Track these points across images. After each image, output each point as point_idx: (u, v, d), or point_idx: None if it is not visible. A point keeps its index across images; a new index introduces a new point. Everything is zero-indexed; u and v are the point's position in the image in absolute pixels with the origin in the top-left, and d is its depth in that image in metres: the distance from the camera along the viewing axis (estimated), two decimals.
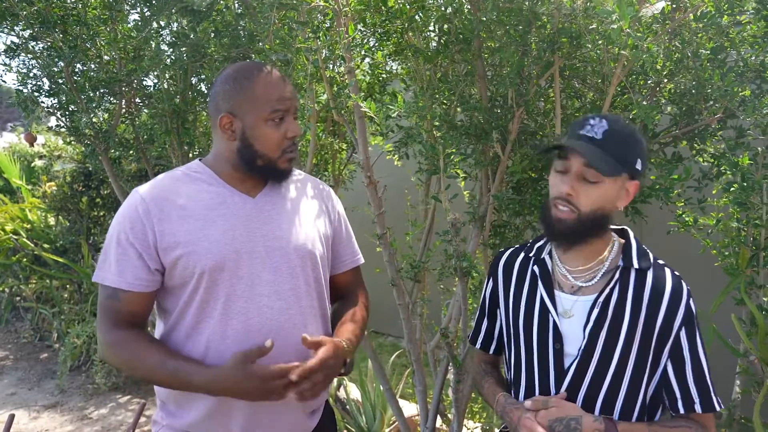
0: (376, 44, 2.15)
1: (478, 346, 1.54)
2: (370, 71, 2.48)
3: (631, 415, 1.26)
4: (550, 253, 1.40)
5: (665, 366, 1.26)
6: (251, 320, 1.35)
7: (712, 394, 1.24)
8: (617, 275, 1.30)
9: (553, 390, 1.29)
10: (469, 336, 1.58)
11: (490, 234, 2.17)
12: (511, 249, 1.51)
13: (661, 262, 1.33)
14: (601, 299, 1.28)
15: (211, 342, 1.34)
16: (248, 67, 1.40)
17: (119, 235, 1.33)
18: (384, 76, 2.31)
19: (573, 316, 1.30)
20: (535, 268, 1.39)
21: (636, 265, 1.29)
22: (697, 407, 1.23)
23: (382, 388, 2.92)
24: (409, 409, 2.99)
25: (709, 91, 1.82)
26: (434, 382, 2.44)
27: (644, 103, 1.90)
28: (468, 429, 2.84)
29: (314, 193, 1.54)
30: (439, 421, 2.72)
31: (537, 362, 1.33)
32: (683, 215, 2.10)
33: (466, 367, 2.21)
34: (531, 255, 1.42)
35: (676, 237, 2.26)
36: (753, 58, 1.91)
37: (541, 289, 1.36)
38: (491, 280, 1.50)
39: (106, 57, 2.96)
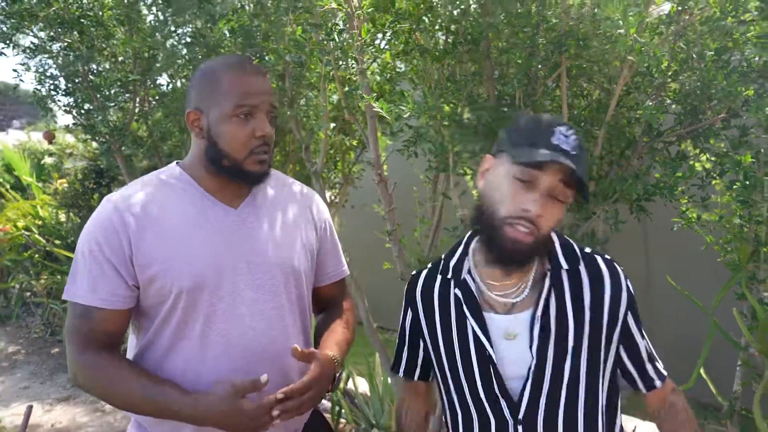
0: (386, 45, 2.21)
1: (400, 374, 1.39)
2: (380, 72, 2.54)
3: (597, 419, 1.17)
4: (469, 272, 1.23)
5: (618, 352, 1.21)
6: (232, 342, 1.26)
7: (659, 363, 1.25)
8: (548, 281, 1.18)
9: (510, 422, 1.16)
10: (390, 365, 1.44)
11: None
12: (425, 271, 1.32)
13: (588, 250, 1.23)
14: (539, 312, 1.16)
15: (189, 363, 1.25)
16: (219, 60, 1.31)
17: (91, 248, 1.21)
18: (392, 75, 2.37)
19: (516, 337, 1.17)
20: (457, 291, 1.22)
21: (565, 266, 1.19)
22: (657, 383, 1.24)
23: (389, 381, 2.98)
24: None
25: (713, 91, 1.87)
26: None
27: (649, 103, 1.95)
28: None
29: (299, 200, 1.43)
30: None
31: (485, 395, 1.19)
32: (687, 212, 2.15)
33: None
34: (449, 276, 1.25)
35: (680, 234, 2.31)
36: (756, 58, 1.95)
37: (469, 318, 1.20)
38: (410, 308, 1.34)
39: (120, 57, 3.03)
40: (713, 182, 2.05)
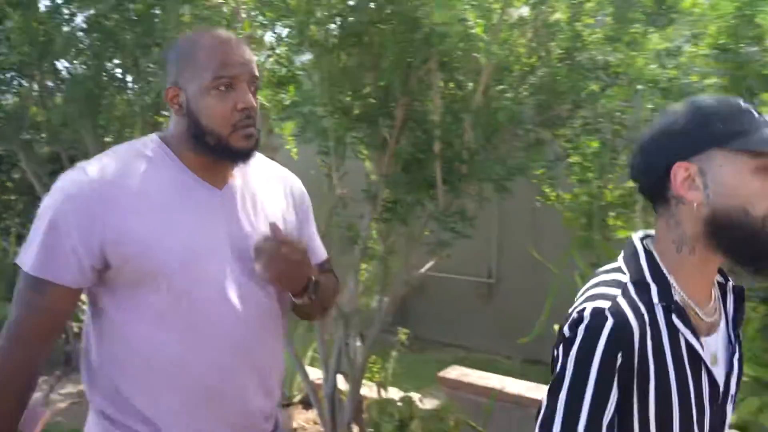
0: (276, 39, 2.37)
1: None
2: (278, 63, 2.69)
3: None
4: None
5: None
6: (219, 331, 1.17)
7: None
8: (730, 295, 1.04)
9: None
10: None
11: (382, 210, 2.44)
12: (619, 307, 0.92)
13: None
14: (731, 333, 1.01)
15: (171, 357, 1.15)
16: (196, 33, 1.24)
17: (56, 218, 1.11)
18: (287, 67, 2.53)
19: (718, 362, 0.99)
20: (675, 318, 0.94)
21: (731, 281, 1.05)
22: None
23: (291, 356, 3.15)
24: (315, 373, 3.26)
25: (560, 86, 2.17)
26: (334, 349, 2.74)
27: (508, 94, 2.23)
28: (367, 386, 3.14)
29: (281, 181, 1.36)
30: (345, 384, 2.98)
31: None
32: (547, 191, 2.46)
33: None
34: (657, 302, 0.95)
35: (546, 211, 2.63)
36: (599, 57, 2.26)
37: (691, 340, 0.94)
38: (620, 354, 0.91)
39: (16, 41, 3.01)
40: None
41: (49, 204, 1.14)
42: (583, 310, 0.92)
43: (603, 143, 2.29)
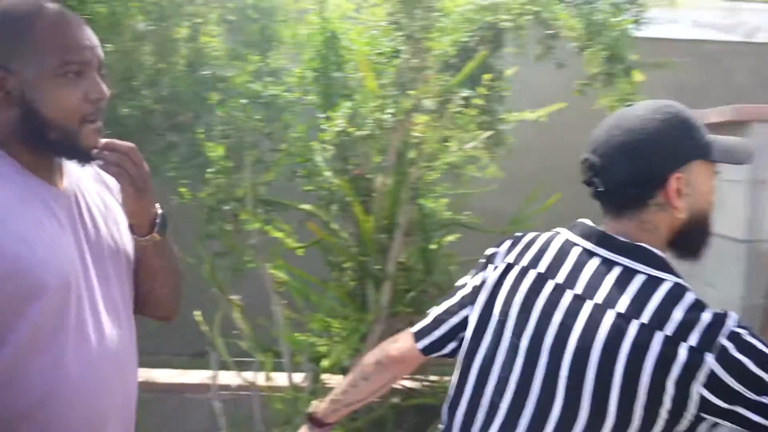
0: None
1: None
2: None
3: None
4: None
5: None
6: (101, 351, 1.04)
7: None
8: None
9: None
10: None
11: None
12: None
13: None
14: None
15: (47, 387, 0.98)
16: (24, 3, 1.01)
17: None
18: None
19: None
20: None
21: None
22: None
23: None
24: None
25: (183, 96, 2.45)
26: None
27: (134, 102, 2.42)
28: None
29: (95, 174, 1.20)
30: None
31: None
32: (182, 191, 2.72)
33: None
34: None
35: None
36: (219, 72, 2.62)
37: None
38: None
39: None
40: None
41: None
42: (727, 315, 0.90)
43: (228, 147, 2.66)
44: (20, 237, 0.95)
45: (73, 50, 1.00)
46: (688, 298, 0.92)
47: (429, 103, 1.97)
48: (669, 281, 0.95)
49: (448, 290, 2.86)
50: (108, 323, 1.07)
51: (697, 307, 0.91)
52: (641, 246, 0.98)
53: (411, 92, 1.91)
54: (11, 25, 0.99)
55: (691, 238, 1.03)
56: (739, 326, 0.89)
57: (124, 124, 2.47)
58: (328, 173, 2.70)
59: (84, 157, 1.04)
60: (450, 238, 2.91)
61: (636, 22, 2.73)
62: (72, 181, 1.10)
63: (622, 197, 1.01)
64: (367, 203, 2.63)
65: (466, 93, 2.14)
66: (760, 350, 0.87)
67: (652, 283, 0.94)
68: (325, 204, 2.79)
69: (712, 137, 1.01)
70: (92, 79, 1.02)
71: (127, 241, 1.17)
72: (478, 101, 2.08)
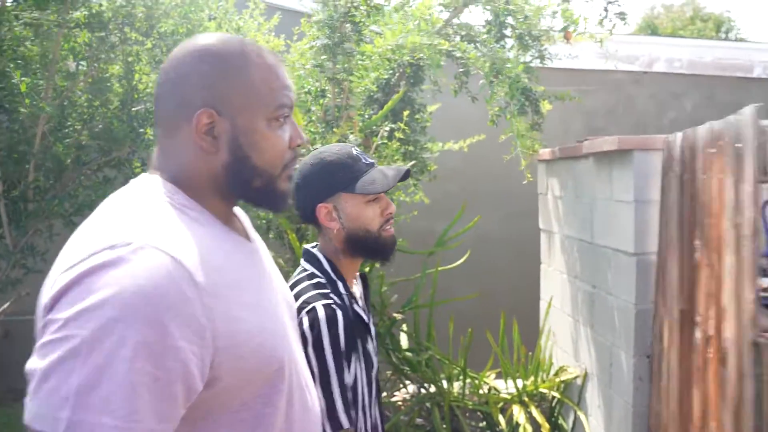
0: None
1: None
2: None
3: None
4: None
5: None
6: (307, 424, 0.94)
7: None
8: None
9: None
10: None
11: None
12: (336, 301, 1.29)
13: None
14: (366, 306, 1.43)
15: None
16: (235, 43, 0.90)
17: (151, 344, 0.69)
18: None
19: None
20: (355, 305, 1.36)
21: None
22: None
23: None
24: None
25: (118, 133, 2.54)
26: None
27: (68, 140, 2.49)
28: None
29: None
30: None
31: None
32: None
33: None
34: (344, 293, 1.35)
35: None
36: (153, 107, 2.71)
37: (364, 317, 1.37)
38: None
39: None
40: None
41: (117, 317, 0.68)
42: (314, 309, 1.23)
43: None
44: (252, 303, 0.84)
45: (285, 94, 0.92)
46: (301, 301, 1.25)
47: (354, 137, 2.14)
48: (302, 284, 1.31)
49: (383, 310, 3.05)
50: (309, 394, 0.96)
51: (307, 310, 1.23)
52: (308, 251, 1.38)
53: (336, 129, 2.08)
54: (223, 65, 0.87)
55: (362, 247, 1.34)
56: (309, 326, 1.22)
57: (59, 160, 2.53)
58: None
59: (278, 205, 0.95)
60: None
61: (541, 57, 3.02)
62: (250, 232, 1.00)
63: (305, 221, 1.39)
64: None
65: (389, 127, 2.33)
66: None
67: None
68: (263, 233, 2.91)
69: (366, 174, 1.32)
70: (293, 124, 0.95)
71: (289, 293, 1.10)
72: (399, 134, 2.27)
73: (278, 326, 0.88)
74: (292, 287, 1.30)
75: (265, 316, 0.86)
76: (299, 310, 1.22)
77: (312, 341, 1.20)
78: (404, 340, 3.06)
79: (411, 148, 2.88)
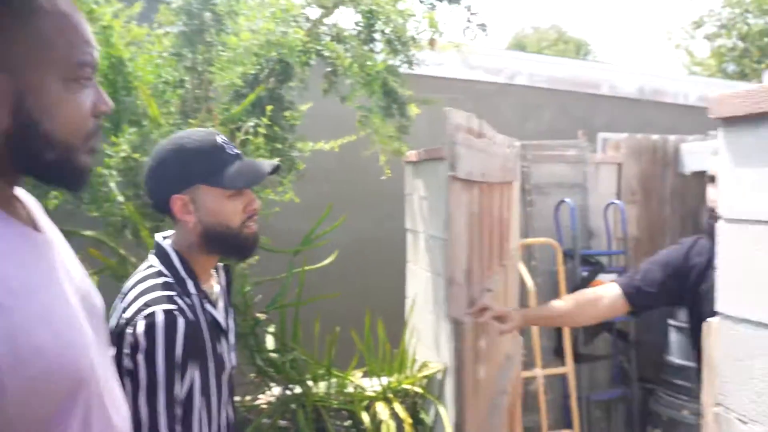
0: None
1: None
2: None
3: None
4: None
5: None
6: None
7: None
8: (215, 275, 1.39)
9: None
10: None
11: None
12: (179, 305, 1.16)
13: None
14: (226, 302, 1.36)
15: None
16: None
17: None
18: None
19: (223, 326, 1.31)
20: (206, 304, 1.26)
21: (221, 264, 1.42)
22: None
23: None
24: None
25: None
26: None
27: None
28: None
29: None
30: None
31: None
32: None
33: None
34: (194, 293, 1.24)
35: None
36: None
37: (218, 318, 1.28)
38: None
39: None
40: None
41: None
42: (153, 314, 1.09)
43: None
44: (43, 314, 0.71)
45: (87, 51, 0.77)
46: (139, 302, 1.14)
47: (214, 131, 2.07)
48: (143, 283, 1.19)
49: (246, 311, 2.98)
50: (117, 412, 0.84)
51: (145, 313, 1.12)
52: (158, 244, 1.26)
53: (193, 120, 1.99)
54: (3, 8, 0.72)
55: (220, 244, 1.25)
56: (145, 332, 1.10)
57: None
58: (120, 198, 2.65)
59: (78, 183, 0.81)
60: (250, 260, 3.01)
61: (409, 62, 3.12)
62: (40, 220, 0.83)
63: (158, 211, 1.29)
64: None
65: (252, 122, 2.28)
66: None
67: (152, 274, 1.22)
68: (117, 230, 2.72)
69: (231, 165, 1.21)
70: (97, 88, 0.81)
71: (96, 293, 0.91)
72: (262, 130, 2.23)
73: (76, 336, 0.74)
74: (134, 285, 1.18)
75: (59, 324, 0.71)
76: (137, 312, 1.11)
77: (145, 348, 1.08)
78: (271, 342, 3.01)
79: (279, 145, 2.85)
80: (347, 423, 3.01)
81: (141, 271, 1.23)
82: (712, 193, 1.62)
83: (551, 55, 17.90)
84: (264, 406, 2.98)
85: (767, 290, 0.95)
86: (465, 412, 1.39)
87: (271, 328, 3.00)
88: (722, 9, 15.75)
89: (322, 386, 2.95)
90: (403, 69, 3.11)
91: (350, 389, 3.00)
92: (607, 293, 1.86)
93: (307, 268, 2.94)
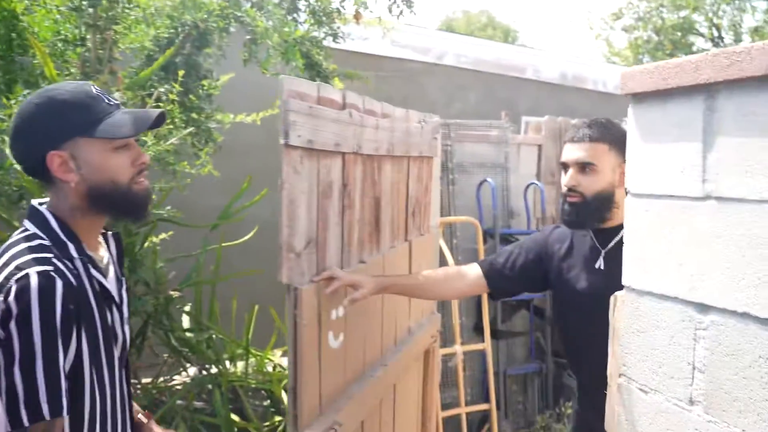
0: None
1: None
2: None
3: None
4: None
5: None
6: None
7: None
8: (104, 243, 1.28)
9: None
10: None
11: None
12: (59, 267, 1.05)
13: None
14: (118, 271, 1.26)
15: None
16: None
17: None
18: None
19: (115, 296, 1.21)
20: (92, 269, 1.14)
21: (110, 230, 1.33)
22: None
23: None
24: None
25: None
26: None
27: None
28: None
29: None
30: None
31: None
32: None
33: None
34: (77, 257, 1.12)
35: None
36: None
37: (106, 284, 1.18)
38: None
39: None
40: None
41: None
42: (26, 276, 0.98)
43: None
44: None
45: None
46: (11, 267, 1.03)
47: (119, 94, 1.92)
48: (16, 247, 1.07)
49: (158, 288, 2.83)
50: None
51: (17, 277, 1.01)
52: (34, 207, 1.13)
53: (94, 82, 1.84)
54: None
55: (108, 203, 1.14)
56: (14, 297, 0.99)
57: None
58: (17, 168, 2.44)
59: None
60: (163, 235, 2.86)
61: (333, 35, 3.03)
62: None
63: (27, 173, 1.16)
64: None
65: (164, 88, 2.14)
66: None
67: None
68: (11, 202, 2.51)
69: (110, 116, 1.11)
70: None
71: None
72: (173, 96, 2.09)
73: None
74: (4, 250, 1.07)
75: None
76: (8, 277, 1.00)
77: (16, 314, 0.96)
78: (186, 321, 2.89)
79: (195, 115, 2.71)
80: (266, 403, 2.95)
81: (13, 236, 1.11)
82: (563, 179, 1.66)
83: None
84: (178, 387, 2.87)
85: (671, 263, 0.97)
86: (301, 376, 1.39)
87: (187, 307, 2.87)
88: (639, 2, 16.48)
89: (239, 366, 2.87)
90: (329, 42, 3.03)
91: (269, 368, 2.93)
92: (470, 272, 1.84)
93: (224, 244, 2.83)
